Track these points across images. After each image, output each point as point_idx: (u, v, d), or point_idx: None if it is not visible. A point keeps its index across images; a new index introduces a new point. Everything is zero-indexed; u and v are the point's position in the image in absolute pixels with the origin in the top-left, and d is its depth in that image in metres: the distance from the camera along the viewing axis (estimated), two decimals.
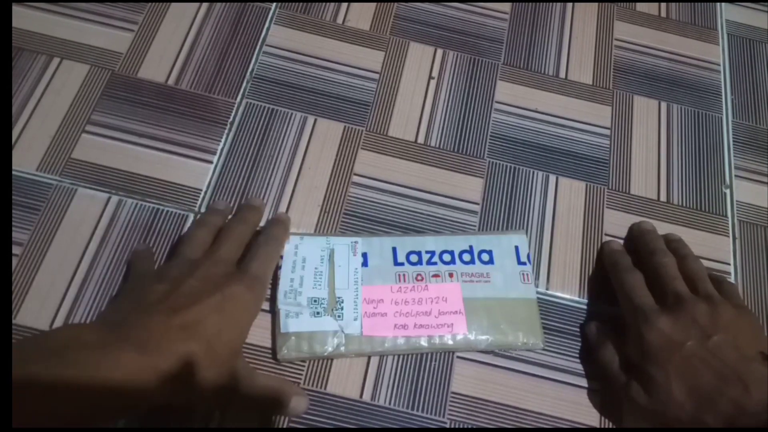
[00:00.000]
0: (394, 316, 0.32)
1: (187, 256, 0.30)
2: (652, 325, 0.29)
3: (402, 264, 0.33)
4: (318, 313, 0.31)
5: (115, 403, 0.24)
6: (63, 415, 0.22)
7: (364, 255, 0.34)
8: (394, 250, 0.34)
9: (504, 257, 0.34)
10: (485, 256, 0.34)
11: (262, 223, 0.35)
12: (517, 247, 0.35)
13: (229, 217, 0.34)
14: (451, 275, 0.33)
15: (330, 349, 0.31)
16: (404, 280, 0.33)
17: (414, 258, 0.34)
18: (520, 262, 0.34)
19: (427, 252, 0.34)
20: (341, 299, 0.32)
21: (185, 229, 0.34)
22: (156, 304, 0.26)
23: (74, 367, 0.22)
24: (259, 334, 0.32)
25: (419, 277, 0.33)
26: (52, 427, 0.22)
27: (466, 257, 0.34)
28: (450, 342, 0.32)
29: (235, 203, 0.36)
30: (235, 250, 0.31)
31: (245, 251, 0.32)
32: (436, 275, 0.33)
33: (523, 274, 0.34)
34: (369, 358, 0.32)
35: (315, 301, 0.32)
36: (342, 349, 0.31)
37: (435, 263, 0.34)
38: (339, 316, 0.32)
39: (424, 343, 0.32)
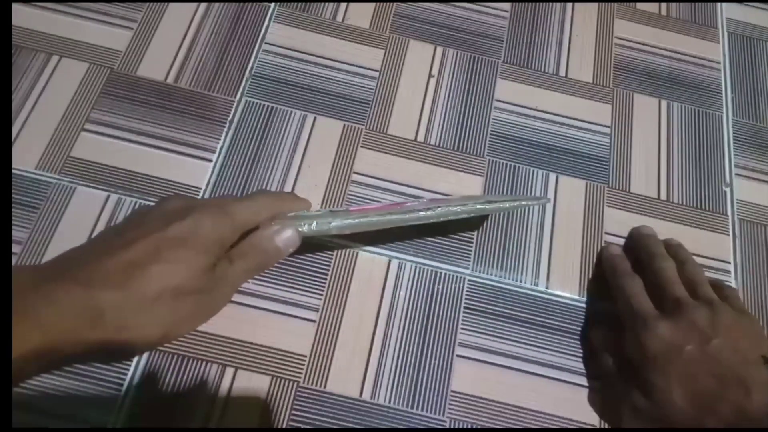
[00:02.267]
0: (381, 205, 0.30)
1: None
2: (651, 331, 0.29)
3: None
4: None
5: (45, 345, 0.21)
6: None
7: None
8: None
9: None
10: None
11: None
12: None
13: None
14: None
15: (315, 224, 0.29)
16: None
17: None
18: None
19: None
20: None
21: None
22: (109, 240, 0.24)
23: None
24: None
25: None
26: None
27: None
28: (449, 207, 0.29)
29: None
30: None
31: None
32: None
33: None
34: (369, 356, 0.32)
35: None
36: (331, 223, 0.29)
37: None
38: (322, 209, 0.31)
39: (421, 211, 0.29)
